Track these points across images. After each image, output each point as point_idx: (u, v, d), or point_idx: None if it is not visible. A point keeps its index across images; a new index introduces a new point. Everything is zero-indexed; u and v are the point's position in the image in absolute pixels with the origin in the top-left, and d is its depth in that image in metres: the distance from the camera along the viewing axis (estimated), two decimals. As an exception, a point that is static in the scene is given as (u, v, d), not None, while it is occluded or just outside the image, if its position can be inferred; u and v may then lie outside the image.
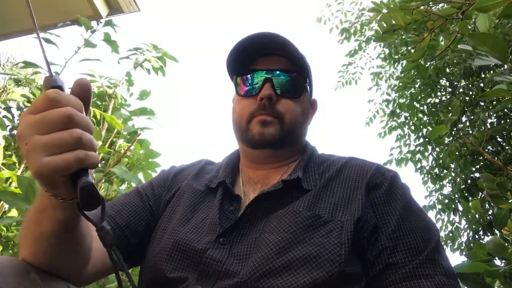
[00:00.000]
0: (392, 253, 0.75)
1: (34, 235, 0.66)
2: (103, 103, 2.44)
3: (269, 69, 0.92)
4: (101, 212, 0.57)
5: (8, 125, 2.35)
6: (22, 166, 2.26)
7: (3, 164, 2.11)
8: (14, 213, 2.04)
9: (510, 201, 1.13)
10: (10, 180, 2.05)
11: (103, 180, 2.11)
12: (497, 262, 1.11)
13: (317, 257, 0.72)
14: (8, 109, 2.37)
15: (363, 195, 0.82)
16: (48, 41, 2.14)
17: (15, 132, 2.39)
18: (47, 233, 0.64)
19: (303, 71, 0.94)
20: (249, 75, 0.94)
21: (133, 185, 2.13)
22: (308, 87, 0.98)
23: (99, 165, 2.37)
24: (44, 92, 0.53)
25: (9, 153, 2.27)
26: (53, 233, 0.64)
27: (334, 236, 0.75)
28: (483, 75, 4.45)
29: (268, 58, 0.94)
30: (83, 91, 0.57)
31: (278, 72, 0.92)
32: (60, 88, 0.55)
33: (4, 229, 1.96)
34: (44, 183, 0.55)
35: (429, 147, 5.24)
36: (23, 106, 2.37)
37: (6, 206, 2.12)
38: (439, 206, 4.76)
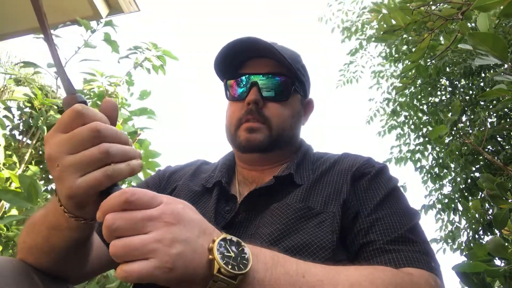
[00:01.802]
0: (366, 234, 0.75)
1: (43, 248, 0.66)
2: (103, 103, 2.43)
3: (255, 73, 0.92)
4: None
5: (8, 125, 2.35)
6: (22, 166, 2.26)
7: (3, 164, 2.11)
8: (14, 213, 2.05)
9: (510, 201, 1.13)
10: (10, 181, 2.05)
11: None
12: (497, 262, 1.11)
13: (309, 245, 0.72)
14: (8, 109, 2.37)
15: (348, 183, 0.83)
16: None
17: (15, 132, 2.39)
18: (58, 248, 0.64)
19: (291, 73, 0.94)
20: (236, 80, 0.94)
21: (133, 184, 2.13)
22: (299, 88, 0.97)
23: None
24: (70, 108, 0.52)
25: (9, 153, 2.27)
26: (64, 248, 0.64)
27: (326, 226, 0.76)
28: (483, 75, 4.44)
29: (256, 62, 0.94)
30: (110, 110, 0.56)
31: (264, 75, 0.92)
32: (85, 103, 0.54)
33: (4, 228, 1.96)
34: (73, 204, 0.54)
35: (429, 147, 5.24)
36: (23, 106, 2.37)
37: (7, 206, 2.12)
38: (439, 206, 4.75)
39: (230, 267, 0.50)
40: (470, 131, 4.12)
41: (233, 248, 0.53)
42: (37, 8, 0.51)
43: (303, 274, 0.58)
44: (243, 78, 0.93)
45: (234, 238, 0.54)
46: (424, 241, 0.75)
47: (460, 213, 4.50)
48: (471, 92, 4.64)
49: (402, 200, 0.82)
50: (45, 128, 2.23)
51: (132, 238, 0.46)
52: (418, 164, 5.26)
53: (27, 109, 2.37)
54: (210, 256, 0.50)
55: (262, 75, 0.92)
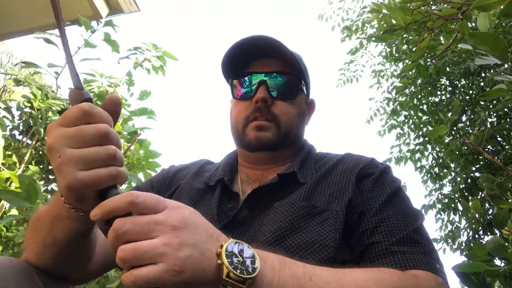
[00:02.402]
0: (372, 234, 0.75)
1: (45, 241, 0.66)
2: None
3: (263, 72, 0.93)
4: None
5: (8, 125, 2.35)
6: (22, 166, 2.26)
7: (3, 164, 2.11)
8: (13, 213, 2.04)
9: (510, 201, 1.13)
10: (10, 181, 2.05)
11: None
12: (497, 262, 1.11)
13: (312, 244, 0.73)
14: (8, 109, 2.37)
15: (353, 183, 0.83)
16: (48, 41, 2.14)
17: (15, 132, 2.39)
18: (60, 240, 0.65)
19: (298, 72, 0.95)
20: (244, 78, 0.95)
21: (133, 184, 2.13)
22: (303, 88, 0.98)
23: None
24: (77, 105, 0.53)
25: (9, 153, 2.27)
26: (66, 241, 0.64)
27: (329, 224, 0.76)
28: (483, 74, 4.44)
29: (263, 61, 0.95)
30: (113, 107, 0.57)
31: (272, 74, 0.92)
32: (91, 101, 0.55)
33: (4, 229, 1.96)
34: (72, 196, 0.55)
35: (429, 146, 5.24)
36: (23, 106, 2.37)
37: (7, 206, 2.12)
38: (439, 206, 4.75)
39: (239, 271, 0.51)
40: (470, 131, 4.12)
41: (242, 253, 0.53)
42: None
43: (310, 277, 0.58)
44: (251, 77, 0.94)
45: (242, 243, 0.54)
46: (429, 242, 0.75)
47: (460, 213, 4.50)
48: (471, 92, 4.64)
49: (406, 201, 0.83)
50: (42, 130, 2.23)
51: (141, 242, 0.47)
52: (418, 164, 5.25)
53: (27, 109, 2.36)
54: (219, 261, 0.51)
55: (270, 74, 0.92)
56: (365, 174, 0.86)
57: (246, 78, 0.94)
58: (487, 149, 4.16)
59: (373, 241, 0.74)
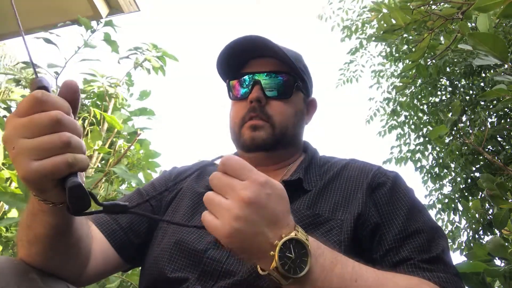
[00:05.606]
0: (398, 252, 0.75)
1: (28, 238, 0.65)
2: (103, 103, 2.43)
3: (257, 72, 0.93)
4: (94, 200, 0.55)
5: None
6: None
7: (3, 164, 2.11)
8: (14, 213, 2.04)
9: (510, 201, 1.13)
10: (10, 180, 2.05)
11: (103, 180, 2.11)
12: (497, 262, 1.11)
13: None
14: (8, 109, 2.37)
15: (363, 194, 0.82)
16: (48, 41, 2.14)
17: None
18: (40, 236, 0.63)
19: (294, 71, 0.94)
20: (239, 79, 0.95)
21: (133, 184, 2.13)
22: (301, 87, 0.97)
23: (99, 165, 2.37)
24: (30, 94, 0.51)
25: (9, 153, 2.26)
26: (45, 236, 0.63)
27: (333, 235, 0.76)
28: (483, 74, 4.44)
29: (258, 61, 0.95)
30: (71, 93, 0.55)
31: (266, 74, 0.92)
32: (46, 88, 0.53)
33: (4, 229, 1.96)
34: (33, 188, 0.54)
35: (429, 147, 5.24)
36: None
37: (6, 206, 2.12)
38: (439, 206, 4.76)
39: (286, 267, 0.53)
40: (470, 131, 4.12)
41: (296, 249, 0.55)
42: None
43: (356, 278, 0.60)
44: (246, 77, 0.94)
45: (301, 237, 0.56)
46: (452, 261, 0.77)
47: (460, 213, 4.50)
48: (471, 92, 4.64)
49: (424, 211, 0.83)
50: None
51: (216, 196, 0.56)
52: (418, 164, 5.26)
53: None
54: (272, 252, 0.53)
55: (265, 74, 0.92)
56: (376, 184, 0.85)
57: (242, 78, 0.94)
58: (487, 149, 4.17)
59: (403, 257, 0.74)
